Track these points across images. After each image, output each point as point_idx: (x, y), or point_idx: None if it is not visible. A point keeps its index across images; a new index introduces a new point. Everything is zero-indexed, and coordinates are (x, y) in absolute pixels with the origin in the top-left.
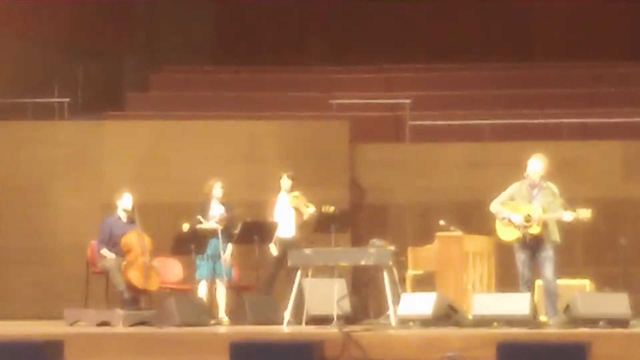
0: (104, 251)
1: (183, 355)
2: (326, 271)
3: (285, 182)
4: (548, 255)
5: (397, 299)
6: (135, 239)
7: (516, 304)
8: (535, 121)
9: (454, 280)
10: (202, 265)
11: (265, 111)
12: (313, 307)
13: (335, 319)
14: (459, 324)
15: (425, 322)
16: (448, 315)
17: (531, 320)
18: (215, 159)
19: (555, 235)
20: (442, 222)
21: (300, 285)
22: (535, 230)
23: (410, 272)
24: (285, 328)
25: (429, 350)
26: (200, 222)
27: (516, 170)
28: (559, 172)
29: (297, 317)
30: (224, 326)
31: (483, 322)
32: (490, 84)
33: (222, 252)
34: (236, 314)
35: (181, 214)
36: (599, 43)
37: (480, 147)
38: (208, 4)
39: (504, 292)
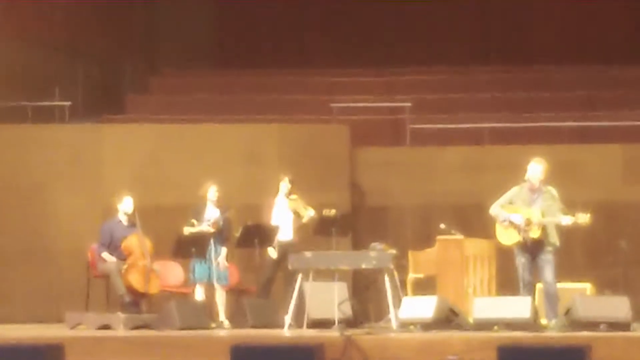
0: (105, 254)
1: (184, 359)
2: (327, 274)
3: (285, 185)
4: (548, 258)
5: (397, 303)
6: (136, 242)
7: (516, 307)
8: (536, 124)
9: (455, 284)
10: (197, 268)
11: (266, 114)
12: (314, 310)
13: (336, 322)
14: (459, 327)
15: (426, 326)
16: (449, 318)
17: (531, 324)
18: (216, 161)
19: (555, 239)
20: (442, 226)
21: (301, 288)
22: (535, 233)
23: (411, 276)
24: (286, 331)
25: (430, 354)
26: (193, 225)
27: (516, 173)
28: (559, 175)
29: (298, 321)
30: (224, 329)
31: (484, 325)
32: (490, 88)
33: (214, 256)
34: (236, 317)
35: (181, 217)
36: (599, 46)
37: (480, 150)
38: (208, 7)
39: (505, 296)
